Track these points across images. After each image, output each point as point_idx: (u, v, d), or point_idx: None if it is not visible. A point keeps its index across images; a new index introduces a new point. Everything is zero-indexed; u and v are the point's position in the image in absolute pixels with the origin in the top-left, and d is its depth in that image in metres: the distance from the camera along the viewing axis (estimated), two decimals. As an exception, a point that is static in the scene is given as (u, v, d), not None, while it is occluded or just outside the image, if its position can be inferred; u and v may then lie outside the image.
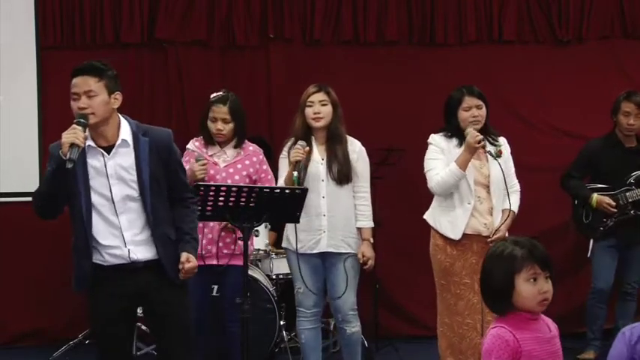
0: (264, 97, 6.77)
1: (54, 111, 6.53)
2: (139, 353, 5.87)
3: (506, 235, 4.89)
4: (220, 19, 6.65)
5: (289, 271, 5.91)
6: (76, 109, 3.71)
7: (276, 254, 5.95)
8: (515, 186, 5.00)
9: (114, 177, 3.75)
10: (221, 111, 4.91)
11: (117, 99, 3.78)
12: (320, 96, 4.91)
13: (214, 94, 5.02)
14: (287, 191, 4.47)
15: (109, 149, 3.76)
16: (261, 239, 5.83)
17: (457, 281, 4.83)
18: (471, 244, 4.85)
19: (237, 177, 4.89)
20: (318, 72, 6.59)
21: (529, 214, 6.47)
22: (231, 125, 4.92)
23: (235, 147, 4.98)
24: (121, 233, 3.76)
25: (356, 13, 6.73)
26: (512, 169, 4.99)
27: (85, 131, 3.64)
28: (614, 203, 5.76)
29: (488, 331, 2.83)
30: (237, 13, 6.64)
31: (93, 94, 3.70)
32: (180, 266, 3.81)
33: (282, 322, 5.70)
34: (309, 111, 4.90)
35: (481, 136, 4.76)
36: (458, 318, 4.84)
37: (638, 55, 6.86)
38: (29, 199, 6.43)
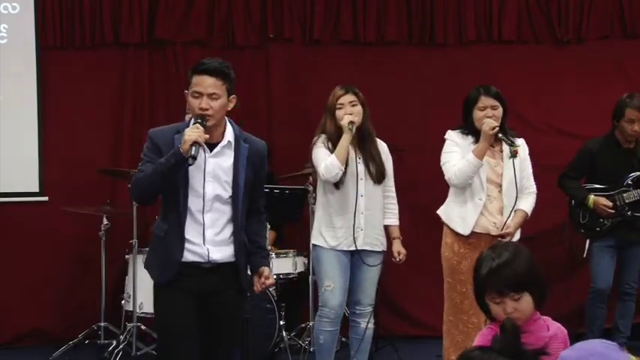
0: (264, 97, 6.77)
1: (54, 111, 6.55)
2: (138, 353, 5.87)
3: (517, 235, 4.90)
4: (220, 19, 6.65)
5: (290, 271, 5.95)
6: (195, 107, 3.69)
7: (276, 254, 5.94)
8: (531, 188, 5.00)
9: (210, 174, 3.73)
10: None
11: (232, 102, 3.78)
12: (349, 97, 4.95)
13: None
14: (287, 191, 4.47)
15: (211, 147, 3.74)
16: (261, 239, 5.82)
17: (463, 280, 4.83)
18: (479, 242, 4.86)
19: None
20: (318, 72, 6.59)
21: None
22: None
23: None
24: (203, 231, 3.74)
25: (356, 13, 6.73)
26: (530, 171, 4.99)
27: (205, 132, 3.63)
28: (610, 204, 5.75)
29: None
30: (237, 13, 6.65)
31: (216, 96, 3.68)
32: (263, 279, 3.83)
33: (282, 322, 5.70)
34: (339, 113, 4.92)
35: (496, 124, 4.78)
36: (463, 317, 4.85)
37: (638, 55, 6.86)
38: (29, 199, 6.60)
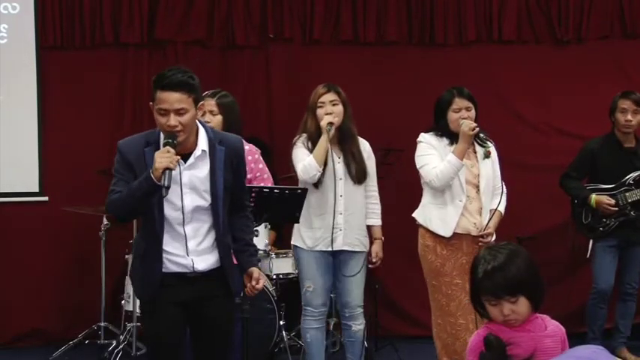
0: (263, 97, 6.77)
1: (54, 111, 6.55)
2: (138, 353, 5.87)
3: (494, 235, 4.91)
4: (220, 19, 6.65)
5: (290, 271, 5.95)
6: (164, 125, 3.52)
7: (276, 254, 5.94)
8: (501, 188, 5.01)
9: (187, 186, 3.62)
10: (209, 103, 4.86)
11: (201, 109, 3.65)
12: (330, 96, 4.91)
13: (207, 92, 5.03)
14: (287, 191, 4.46)
15: (185, 157, 3.60)
16: (260, 239, 5.82)
17: (448, 282, 4.84)
18: (460, 243, 4.87)
19: None
20: (318, 72, 6.58)
21: (529, 214, 6.50)
22: (219, 118, 4.78)
23: None
24: (185, 242, 3.65)
25: (356, 13, 6.74)
26: (499, 172, 5.00)
27: (176, 152, 3.49)
28: (613, 202, 5.75)
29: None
30: (237, 13, 6.65)
31: (183, 111, 3.51)
32: (254, 282, 3.77)
33: (282, 322, 5.69)
34: (320, 112, 4.88)
35: (475, 124, 4.79)
36: (450, 319, 4.85)
37: (638, 55, 6.86)
38: (29, 199, 6.60)
